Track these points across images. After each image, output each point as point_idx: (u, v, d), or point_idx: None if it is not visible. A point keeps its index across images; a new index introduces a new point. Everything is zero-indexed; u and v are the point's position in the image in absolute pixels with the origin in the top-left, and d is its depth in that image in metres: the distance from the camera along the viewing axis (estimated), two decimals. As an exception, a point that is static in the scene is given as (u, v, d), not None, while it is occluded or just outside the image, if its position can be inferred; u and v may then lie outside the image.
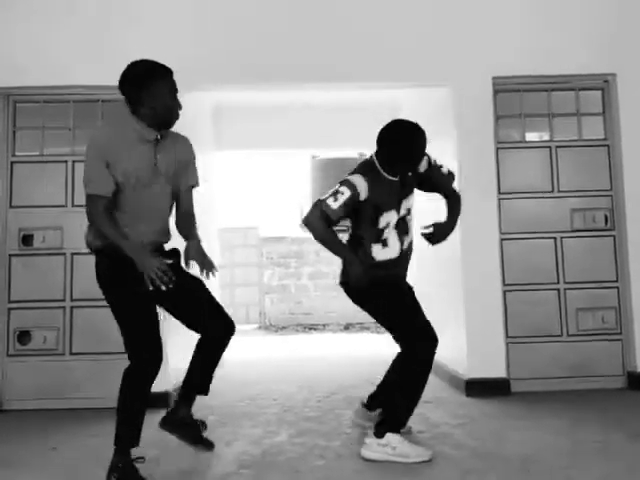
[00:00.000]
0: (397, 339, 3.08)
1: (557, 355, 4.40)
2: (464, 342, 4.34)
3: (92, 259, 2.74)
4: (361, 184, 2.95)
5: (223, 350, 2.81)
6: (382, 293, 3.01)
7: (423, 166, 3.13)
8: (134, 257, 2.53)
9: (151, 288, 2.52)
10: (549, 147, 4.56)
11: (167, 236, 2.84)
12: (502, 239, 4.45)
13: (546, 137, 4.66)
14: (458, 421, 3.57)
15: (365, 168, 3.06)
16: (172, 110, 2.70)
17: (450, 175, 3.22)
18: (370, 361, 5.53)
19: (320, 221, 2.92)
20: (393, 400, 2.94)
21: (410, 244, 3.16)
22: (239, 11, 4.43)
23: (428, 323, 2.99)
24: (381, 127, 3.13)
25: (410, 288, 3.15)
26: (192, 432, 2.81)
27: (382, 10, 4.45)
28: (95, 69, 4.29)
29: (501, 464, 2.78)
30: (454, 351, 4.59)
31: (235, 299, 12.18)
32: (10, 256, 4.30)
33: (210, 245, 6.47)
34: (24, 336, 4.26)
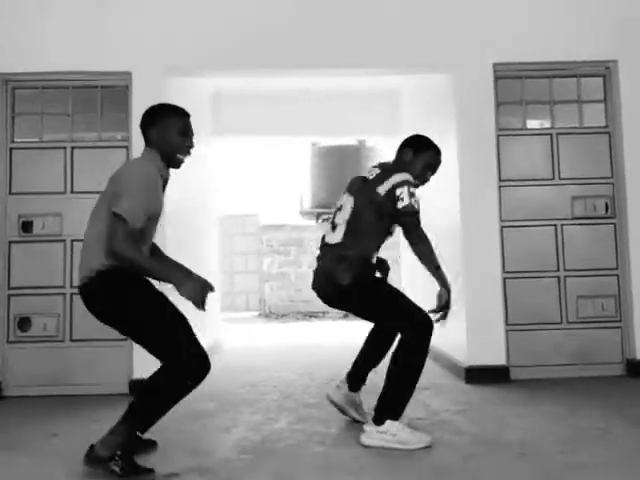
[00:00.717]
0: (391, 328, 3.10)
1: (557, 342, 4.41)
2: (464, 329, 4.34)
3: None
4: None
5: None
6: (367, 289, 3.03)
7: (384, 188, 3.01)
8: (178, 282, 2.51)
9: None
10: (550, 134, 4.54)
11: None
12: (502, 226, 4.44)
13: (547, 124, 4.65)
14: (458, 408, 3.58)
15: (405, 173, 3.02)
16: (179, 149, 2.67)
17: (404, 212, 2.96)
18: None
19: (421, 229, 3.00)
20: (392, 387, 2.94)
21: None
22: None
23: (419, 308, 2.98)
24: (408, 137, 3.22)
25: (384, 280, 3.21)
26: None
27: (383, -5, 4.42)
28: (94, 55, 4.29)
29: (501, 449, 2.79)
30: (454, 338, 4.60)
31: (235, 287, 12.21)
32: (10, 243, 4.30)
33: (209, 233, 6.47)
34: (24, 323, 4.26)
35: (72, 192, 4.32)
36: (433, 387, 4.16)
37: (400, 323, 2.98)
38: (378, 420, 2.88)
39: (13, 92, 4.40)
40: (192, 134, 2.74)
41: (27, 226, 4.31)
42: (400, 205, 2.92)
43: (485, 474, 2.50)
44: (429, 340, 2.91)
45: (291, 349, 6.53)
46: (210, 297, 2.63)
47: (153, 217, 2.64)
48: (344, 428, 3.20)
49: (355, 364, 3.33)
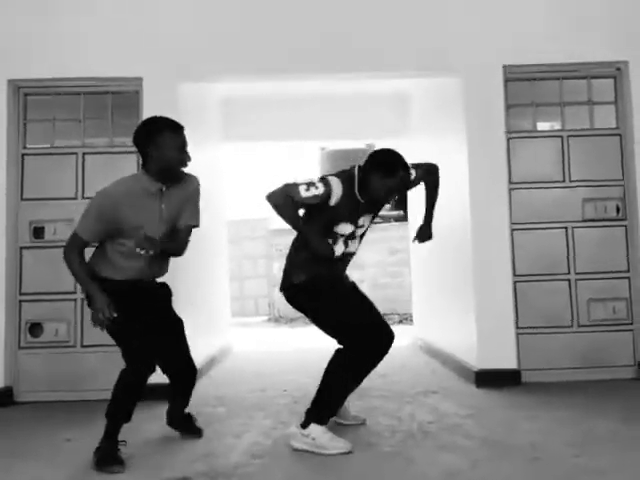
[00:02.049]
0: (345, 337, 2.99)
1: (568, 345, 4.38)
2: (474, 333, 4.33)
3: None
4: (337, 191, 2.97)
5: (189, 389, 3.20)
6: (326, 293, 3.05)
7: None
8: (90, 293, 2.80)
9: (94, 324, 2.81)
10: (560, 136, 4.52)
11: (162, 272, 3.02)
12: (513, 229, 4.42)
13: (557, 126, 4.63)
14: (467, 411, 3.56)
15: (345, 179, 3.04)
16: (176, 163, 2.78)
17: (422, 174, 3.27)
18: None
19: (286, 198, 2.95)
20: (320, 393, 2.95)
21: (355, 249, 3.20)
22: (247, 2, 4.43)
23: (383, 320, 3.01)
24: (375, 150, 3.18)
25: (354, 286, 3.20)
26: (189, 425, 3.21)
27: (391, -1, 4.43)
28: (105, 61, 4.31)
29: (511, 453, 2.77)
30: (464, 342, 4.59)
31: (244, 291, 12.22)
32: (21, 249, 4.33)
33: (218, 238, 6.49)
34: (35, 328, 4.29)
35: (83, 198, 4.34)
36: (442, 391, 4.14)
37: (342, 338, 2.99)
38: (304, 423, 2.91)
39: (25, 98, 4.44)
40: (186, 148, 2.81)
41: (38, 232, 4.34)
42: None
43: (495, 478, 2.49)
44: (386, 352, 2.92)
45: (300, 353, 6.52)
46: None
47: (138, 231, 2.74)
48: (355, 432, 3.20)
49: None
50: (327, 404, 2.96)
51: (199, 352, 4.94)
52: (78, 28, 4.33)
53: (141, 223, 2.76)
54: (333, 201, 2.97)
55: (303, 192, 2.92)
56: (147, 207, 2.79)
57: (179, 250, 2.97)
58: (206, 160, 5.52)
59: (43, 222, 4.34)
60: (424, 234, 3.33)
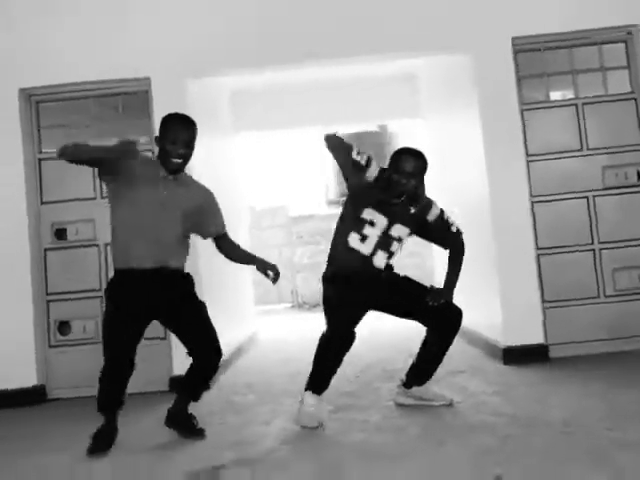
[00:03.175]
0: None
1: (595, 317, 4.33)
2: (499, 310, 4.30)
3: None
4: (375, 167, 3.21)
5: (212, 372, 3.12)
6: (332, 291, 3.22)
7: (433, 215, 3.25)
8: (111, 147, 2.82)
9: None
10: (575, 105, 4.44)
11: (172, 262, 3.01)
12: (533, 202, 4.38)
13: (571, 95, 4.55)
14: (495, 389, 3.55)
15: (382, 172, 3.23)
16: (170, 157, 2.92)
17: (457, 234, 3.31)
18: (404, 334, 5.52)
19: (342, 146, 3.24)
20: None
21: (383, 264, 3.23)
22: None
23: (344, 324, 3.13)
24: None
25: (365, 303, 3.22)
26: (188, 425, 3.10)
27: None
28: (112, 64, 4.34)
29: (542, 428, 2.76)
30: (489, 319, 4.57)
31: (266, 279, 12.26)
32: (45, 250, 4.41)
33: (240, 227, 6.52)
34: (64, 327, 4.38)
35: (102, 197, 4.38)
36: (470, 369, 4.13)
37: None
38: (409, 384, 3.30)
39: (37, 106, 4.50)
40: (181, 143, 2.92)
41: (61, 233, 4.41)
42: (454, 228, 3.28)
43: (527, 453, 2.48)
44: (331, 351, 3.13)
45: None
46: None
47: (135, 198, 2.91)
48: (384, 415, 3.21)
49: (415, 362, 3.38)
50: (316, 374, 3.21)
51: (226, 342, 4.98)
52: (83, 34, 4.35)
53: (141, 190, 2.90)
54: (370, 173, 3.18)
55: (354, 154, 3.19)
56: (151, 183, 2.94)
57: (239, 248, 3.22)
58: (220, 151, 5.53)
59: (65, 224, 4.41)
60: (440, 297, 3.22)
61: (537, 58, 4.46)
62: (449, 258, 3.34)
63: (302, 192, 13.37)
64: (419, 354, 3.33)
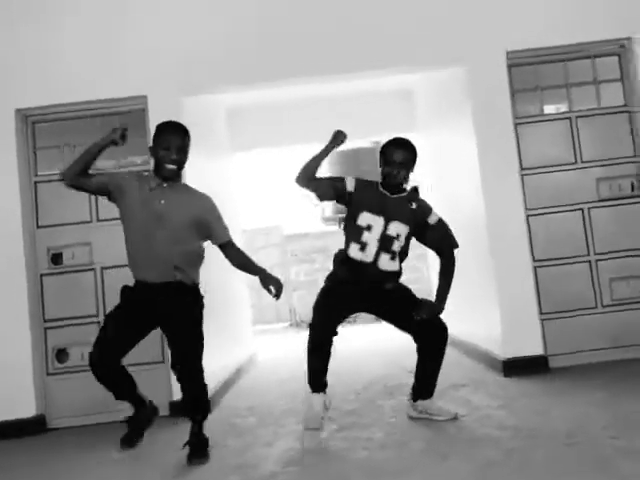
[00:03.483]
0: None
1: (593, 327, 4.34)
2: (498, 322, 4.30)
3: (122, 272, 3.05)
4: (350, 180, 3.32)
5: (192, 397, 3.08)
6: (324, 288, 3.35)
7: (434, 219, 3.29)
8: (100, 141, 3.03)
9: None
10: (569, 118, 4.48)
11: (178, 275, 3.02)
12: (528, 215, 4.40)
13: (564, 108, 4.59)
14: (498, 402, 3.54)
15: (365, 179, 3.39)
16: (163, 164, 2.97)
17: (455, 241, 3.35)
18: (404, 350, 5.50)
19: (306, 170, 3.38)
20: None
21: (390, 266, 3.26)
22: (244, 11, 4.43)
23: (320, 325, 3.27)
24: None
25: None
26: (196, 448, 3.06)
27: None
28: (107, 83, 4.34)
29: (546, 440, 2.75)
30: (488, 332, 4.56)
31: (263, 299, 12.21)
32: (42, 276, 4.37)
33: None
34: (62, 354, 4.32)
35: (98, 220, 4.38)
36: (472, 383, 4.12)
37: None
38: (416, 397, 3.39)
39: (33, 126, 4.48)
40: (175, 149, 2.97)
41: (57, 258, 4.37)
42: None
43: (532, 466, 2.47)
44: (313, 343, 3.32)
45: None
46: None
47: (132, 215, 3.00)
48: (387, 432, 3.19)
49: (415, 377, 3.41)
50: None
51: (226, 364, 4.97)
52: (77, 54, 4.36)
53: (134, 202, 2.97)
54: (349, 187, 3.28)
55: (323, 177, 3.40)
56: (146, 195, 2.98)
57: (246, 258, 3.21)
58: (216, 170, 5.53)
59: (60, 248, 4.37)
60: (432, 309, 3.25)
61: (531, 71, 4.51)
62: (441, 269, 3.36)
63: (296, 210, 13.39)
64: (416, 369, 3.37)
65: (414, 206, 3.27)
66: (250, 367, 6.15)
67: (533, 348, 4.26)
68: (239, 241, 6.94)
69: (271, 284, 3.04)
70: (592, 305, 4.37)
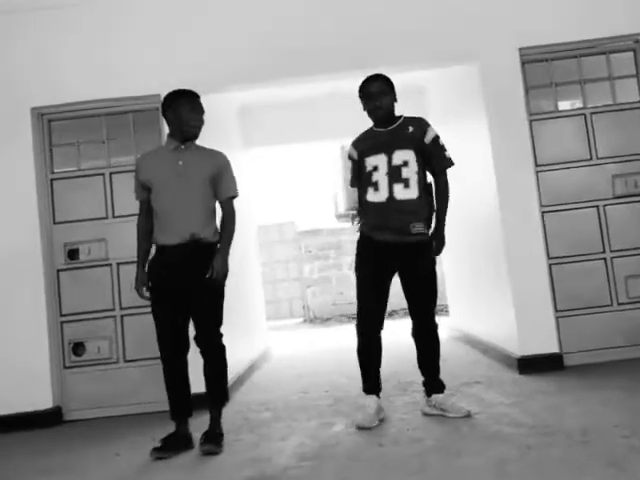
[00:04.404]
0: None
1: (608, 325, 4.32)
2: (513, 320, 4.29)
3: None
4: (352, 152, 3.48)
5: (215, 365, 3.19)
6: (357, 254, 3.41)
7: (429, 137, 3.33)
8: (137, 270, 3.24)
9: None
10: (583, 114, 4.45)
11: (202, 232, 3.15)
12: (543, 212, 4.38)
13: (579, 104, 4.56)
14: (513, 399, 3.53)
15: (359, 134, 3.51)
16: (189, 123, 3.16)
17: (448, 160, 3.38)
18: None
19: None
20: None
21: (408, 194, 3.27)
22: (257, 10, 4.45)
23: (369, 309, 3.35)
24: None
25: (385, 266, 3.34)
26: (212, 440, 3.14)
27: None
28: (122, 82, 4.38)
29: (561, 438, 2.74)
30: (503, 329, 4.55)
31: (277, 295, 12.29)
32: (58, 271, 4.43)
33: (250, 243, 6.54)
34: (78, 347, 4.39)
35: (114, 217, 4.43)
36: (486, 380, 4.12)
37: None
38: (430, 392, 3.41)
39: (49, 124, 4.53)
40: (198, 110, 3.21)
41: (73, 253, 4.43)
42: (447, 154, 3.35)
43: (546, 463, 2.47)
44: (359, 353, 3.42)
45: (336, 352, 6.52)
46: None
47: (154, 184, 3.16)
48: (401, 427, 3.20)
49: (419, 366, 3.50)
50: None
51: (240, 359, 5.00)
52: (94, 50, 4.41)
53: (155, 173, 3.15)
54: (356, 156, 3.44)
55: (349, 178, 3.58)
56: (165, 162, 3.17)
57: (230, 222, 3.24)
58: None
59: (77, 244, 4.43)
60: (438, 251, 3.37)
61: (545, 68, 4.48)
62: (436, 191, 3.38)
63: (310, 206, 13.41)
64: (419, 365, 3.47)
65: (411, 130, 3.33)
66: (264, 362, 6.19)
67: (548, 346, 4.25)
68: (255, 237, 6.99)
69: (217, 267, 3.08)
70: (607, 303, 4.35)
